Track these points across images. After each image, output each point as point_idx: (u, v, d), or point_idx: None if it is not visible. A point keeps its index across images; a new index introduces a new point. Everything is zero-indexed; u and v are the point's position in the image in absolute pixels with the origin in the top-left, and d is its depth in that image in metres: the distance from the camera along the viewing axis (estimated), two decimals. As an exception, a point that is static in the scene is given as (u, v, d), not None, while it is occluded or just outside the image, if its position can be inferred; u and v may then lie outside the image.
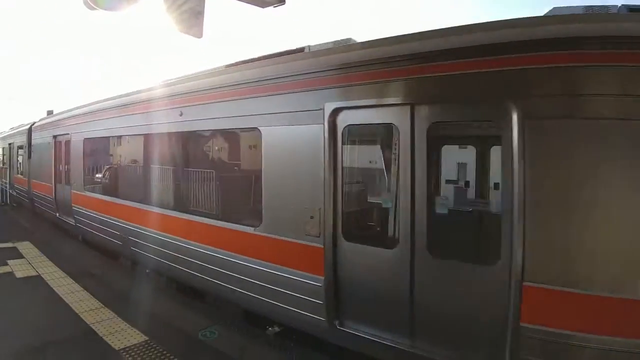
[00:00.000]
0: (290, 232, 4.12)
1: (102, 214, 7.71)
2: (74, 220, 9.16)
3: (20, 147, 14.45)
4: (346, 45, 4.16)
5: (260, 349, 4.37)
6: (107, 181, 8.05)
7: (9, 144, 16.26)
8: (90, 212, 8.23)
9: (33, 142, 12.63)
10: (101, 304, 5.29)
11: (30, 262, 7.26)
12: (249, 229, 4.55)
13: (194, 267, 5.24)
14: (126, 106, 7.01)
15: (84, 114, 8.78)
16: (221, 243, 4.89)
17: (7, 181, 16.58)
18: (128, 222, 6.76)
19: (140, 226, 6.40)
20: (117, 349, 4.12)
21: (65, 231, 10.02)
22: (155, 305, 5.36)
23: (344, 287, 3.79)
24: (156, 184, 6.38)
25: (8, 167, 16.63)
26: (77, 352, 4.04)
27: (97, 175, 8.58)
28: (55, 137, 10.47)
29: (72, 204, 9.10)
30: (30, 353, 3.95)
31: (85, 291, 5.77)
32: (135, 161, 7.20)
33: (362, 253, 3.72)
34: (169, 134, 5.95)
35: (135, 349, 4.13)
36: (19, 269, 6.78)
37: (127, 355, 3.99)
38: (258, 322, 4.78)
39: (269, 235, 4.33)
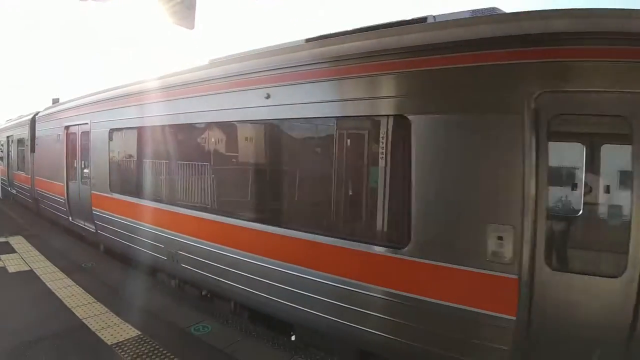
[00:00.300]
0: (461, 257, 3.10)
1: (138, 222, 6.30)
2: (94, 227, 7.81)
3: (20, 140, 13.08)
4: (568, 10, 2.93)
5: (253, 344, 4.36)
6: (147, 182, 6.40)
7: (7, 137, 14.84)
8: (119, 219, 6.84)
9: (37, 134, 11.17)
10: (93, 299, 5.26)
11: (23, 256, 7.21)
12: (389, 252, 3.44)
13: (287, 296, 4.12)
14: (179, 88, 5.55)
15: (111, 99, 7.20)
16: (338, 267, 3.75)
17: (6, 178, 15.25)
18: (180, 234, 5.45)
19: (199, 240, 5.14)
20: (109, 343, 4.10)
21: (81, 238, 8.79)
22: (147, 300, 5.34)
23: (542, 329, 2.91)
24: (226, 188, 5.20)
25: (6, 163, 15.24)
26: (70, 347, 4.00)
27: (129, 175, 6.99)
28: (67, 127, 8.93)
29: (93, 208, 7.72)
30: (22, 348, 3.91)
31: (77, 286, 5.74)
32: (189, 158, 5.70)
33: (572, 284, 2.87)
34: (247, 122, 4.74)
35: (128, 344, 4.11)
36: (11, 263, 6.73)
37: (120, 350, 3.98)
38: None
39: (424, 260, 3.25)
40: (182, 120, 5.57)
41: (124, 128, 6.98)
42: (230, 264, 4.71)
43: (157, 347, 4.07)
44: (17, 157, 13.64)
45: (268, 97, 4.27)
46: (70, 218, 9.06)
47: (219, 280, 4.89)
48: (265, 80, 4.33)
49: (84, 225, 8.32)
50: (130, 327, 4.49)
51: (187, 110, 5.42)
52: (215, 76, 5.00)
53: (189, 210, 5.39)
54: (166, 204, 5.83)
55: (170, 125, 5.87)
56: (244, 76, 4.58)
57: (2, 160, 16.18)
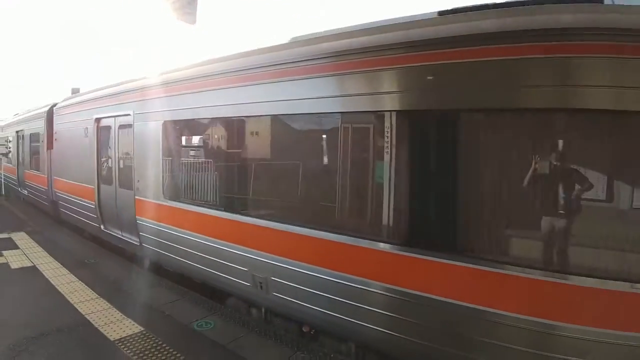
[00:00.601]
0: None
1: (207, 237, 5.08)
2: (138, 239, 6.50)
3: (33, 136, 11.70)
4: None
5: (256, 340, 4.37)
6: (222, 189, 5.18)
7: (17, 132, 13.33)
8: (178, 232, 5.56)
9: (56, 128, 9.84)
10: (96, 295, 5.27)
11: (26, 252, 7.23)
12: (619, 285, 2.59)
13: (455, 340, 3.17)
14: (277, 67, 4.26)
15: (168, 83, 5.77)
16: (541, 308, 2.81)
17: (16, 178, 13.88)
18: (275, 256, 4.30)
19: (310, 266, 4.01)
20: (112, 339, 4.11)
21: (118, 250, 7.47)
22: (150, 296, 5.36)
23: None
24: (365, 199, 3.83)
25: (16, 161, 13.80)
26: (73, 343, 4.01)
27: (194, 178, 5.61)
28: (98, 120, 7.62)
29: (137, 217, 6.41)
30: (25, 343, 3.92)
31: (80, 282, 5.76)
32: (295, 158, 4.47)
33: None
34: (394, 113, 3.48)
35: (131, 340, 4.12)
36: (14, 259, 6.75)
37: (123, 346, 3.98)
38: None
39: None
40: (284, 110, 4.36)
41: (188, 119, 5.61)
42: (357, 299, 3.69)
43: (160, 343, 4.07)
44: (30, 154, 12.15)
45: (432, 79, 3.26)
46: (102, 227, 7.72)
47: (339, 317, 3.83)
48: (425, 58, 3.26)
49: (123, 236, 7.01)
50: (133, 323, 4.50)
51: (285, 97, 4.24)
52: (329, 52, 3.81)
53: (294, 227, 4.17)
54: (253, 217, 4.63)
55: (263, 117, 4.65)
56: (385, 53, 3.43)
57: (6, 157, 15.31)
